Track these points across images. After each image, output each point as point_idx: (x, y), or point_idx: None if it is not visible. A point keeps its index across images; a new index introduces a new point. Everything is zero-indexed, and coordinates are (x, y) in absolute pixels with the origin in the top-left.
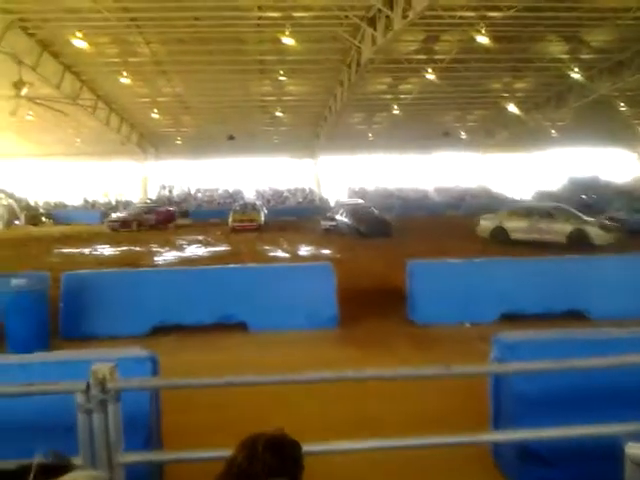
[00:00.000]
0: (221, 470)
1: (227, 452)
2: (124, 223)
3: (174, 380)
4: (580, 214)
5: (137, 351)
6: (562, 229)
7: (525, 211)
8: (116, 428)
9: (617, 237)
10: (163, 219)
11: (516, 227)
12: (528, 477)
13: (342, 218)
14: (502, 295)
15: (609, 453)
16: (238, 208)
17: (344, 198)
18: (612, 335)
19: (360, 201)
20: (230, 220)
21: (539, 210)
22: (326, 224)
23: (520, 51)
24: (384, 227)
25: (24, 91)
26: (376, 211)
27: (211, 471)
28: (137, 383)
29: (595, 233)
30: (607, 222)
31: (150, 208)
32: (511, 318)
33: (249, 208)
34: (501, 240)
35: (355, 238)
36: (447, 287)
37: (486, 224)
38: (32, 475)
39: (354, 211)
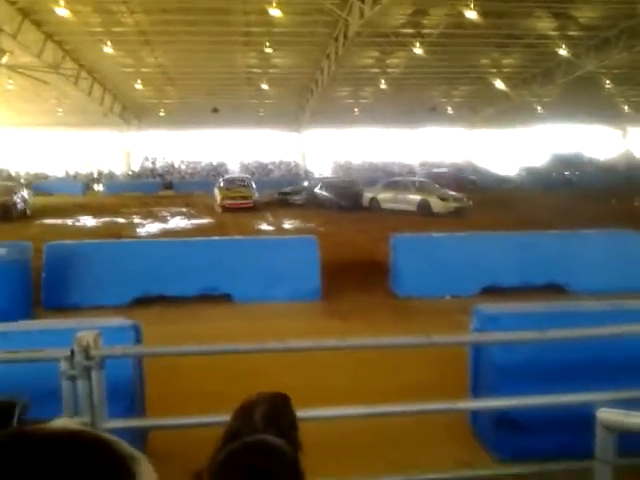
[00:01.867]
0: (219, 441)
1: (210, 419)
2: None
3: (157, 348)
4: (432, 187)
5: (120, 320)
6: (413, 199)
7: (392, 184)
8: (100, 395)
9: (458, 207)
10: None
11: (385, 198)
12: (505, 445)
13: (322, 192)
14: (483, 269)
15: (586, 422)
16: (222, 184)
17: (325, 173)
18: (592, 307)
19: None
20: (219, 197)
21: (401, 183)
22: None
23: (508, 27)
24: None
25: (4, 59)
26: (356, 185)
27: (193, 439)
28: (121, 350)
29: (434, 202)
30: (448, 193)
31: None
32: (492, 291)
33: (236, 183)
34: (375, 208)
35: (337, 211)
36: (429, 261)
37: (366, 195)
38: (17, 414)
39: (334, 185)
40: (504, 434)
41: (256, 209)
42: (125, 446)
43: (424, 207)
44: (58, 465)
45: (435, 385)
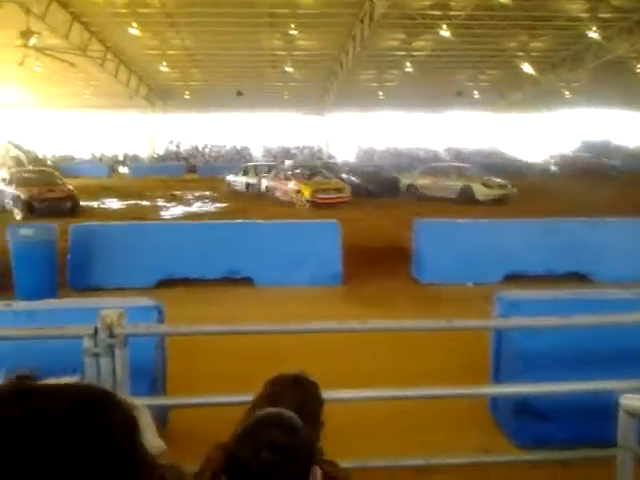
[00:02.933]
0: (245, 415)
1: (231, 398)
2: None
3: (180, 327)
4: (474, 173)
5: (144, 300)
6: (454, 186)
7: (432, 170)
8: (122, 373)
9: (502, 194)
10: None
11: (423, 184)
12: (524, 432)
13: (349, 177)
14: (506, 256)
15: (607, 410)
16: (299, 173)
17: (349, 158)
18: (615, 295)
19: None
20: (307, 191)
21: (441, 169)
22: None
23: (537, 8)
24: (392, 186)
25: (32, 41)
26: (385, 170)
27: (214, 419)
28: (144, 329)
29: (478, 189)
30: (492, 179)
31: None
32: (515, 279)
33: (315, 171)
34: (413, 194)
35: (363, 196)
36: (452, 247)
37: (404, 181)
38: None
39: (362, 170)
40: (524, 421)
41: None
42: (122, 395)
43: (466, 194)
44: (62, 408)
45: (457, 372)
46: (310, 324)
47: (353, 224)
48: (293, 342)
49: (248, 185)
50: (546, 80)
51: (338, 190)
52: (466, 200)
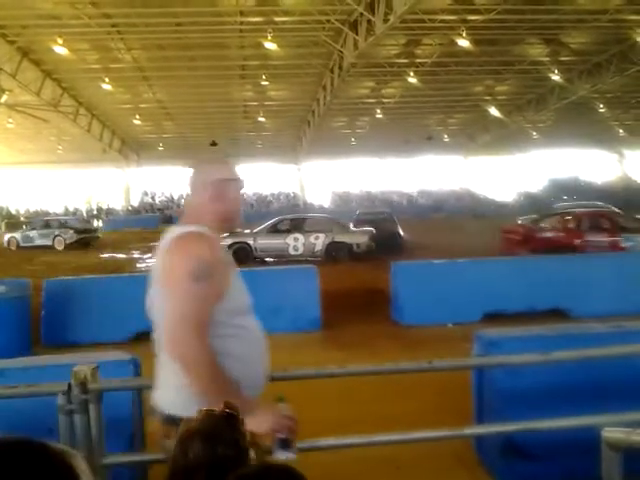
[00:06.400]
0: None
1: None
2: None
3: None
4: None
5: (119, 354)
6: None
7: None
8: (98, 429)
9: None
10: None
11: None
12: (512, 472)
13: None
14: (485, 295)
15: (593, 447)
16: None
17: (324, 203)
18: (594, 329)
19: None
20: None
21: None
22: None
23: (501, 54)
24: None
25: (4, 98)
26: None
27: None
28: (119, 383)
29: None
30: None
31: None
32: (494, 317)
33: None
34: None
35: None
36: (430, 288)
37: None
38: None
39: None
40: (510, 461)
41: None
42: (59, 445)
43: None
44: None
45: (439, 415)
46: (288, 371)
47: (327, 267)
48: (270, 389)
49: None
50: (513, 122)
51: None
52: None
